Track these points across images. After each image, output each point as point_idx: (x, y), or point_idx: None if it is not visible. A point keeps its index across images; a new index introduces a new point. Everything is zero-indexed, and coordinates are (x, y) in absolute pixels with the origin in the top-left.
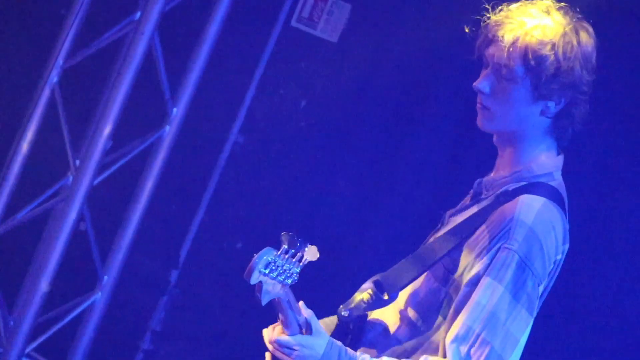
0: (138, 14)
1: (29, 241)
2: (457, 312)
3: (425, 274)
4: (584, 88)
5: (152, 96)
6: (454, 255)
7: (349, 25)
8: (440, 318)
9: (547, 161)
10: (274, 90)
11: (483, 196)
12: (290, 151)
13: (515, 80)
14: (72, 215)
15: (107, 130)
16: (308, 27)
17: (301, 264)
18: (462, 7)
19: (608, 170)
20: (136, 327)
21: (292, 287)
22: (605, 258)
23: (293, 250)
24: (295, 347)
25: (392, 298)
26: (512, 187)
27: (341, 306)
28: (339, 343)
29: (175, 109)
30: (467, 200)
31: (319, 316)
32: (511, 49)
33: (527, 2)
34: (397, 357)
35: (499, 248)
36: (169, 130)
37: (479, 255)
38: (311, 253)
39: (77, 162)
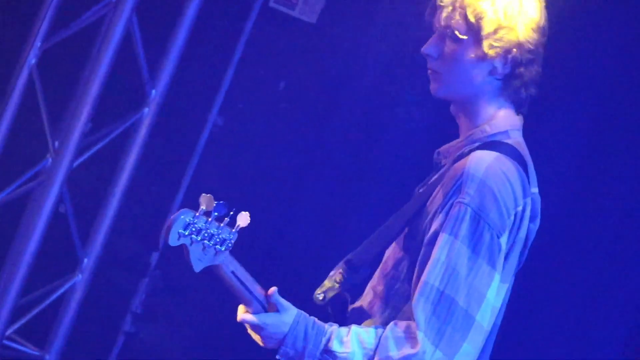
0: None
1: (9, 224)
2: (419, 274)
3: (393, 245)
4: (530, 47)
5: (131, 78)
6: (415, 222)
7: (328, 6)
8: (407, 285)
9: (501, 121)
10: (253, 72)
11: (442, 164)
12: (269, 132)
13: (458, 39)
14: (52, 197)
15: (86, 112)
16: (287, 7)
17: (234, 230)
18: None
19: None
20: (117, 309)
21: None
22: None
23: (216, 214)
24: (261, 326)
25: (364, 274)
26: (467, 149)
27: (316, 290)
28: (307, 316)
29: (154, 91)
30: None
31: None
32: (453, 9)
33: None
34: (375, 327)
35: (452, 204)
36: (148, 112)
37: (434, 215)
38: (243, 219)
39: (56, 144)
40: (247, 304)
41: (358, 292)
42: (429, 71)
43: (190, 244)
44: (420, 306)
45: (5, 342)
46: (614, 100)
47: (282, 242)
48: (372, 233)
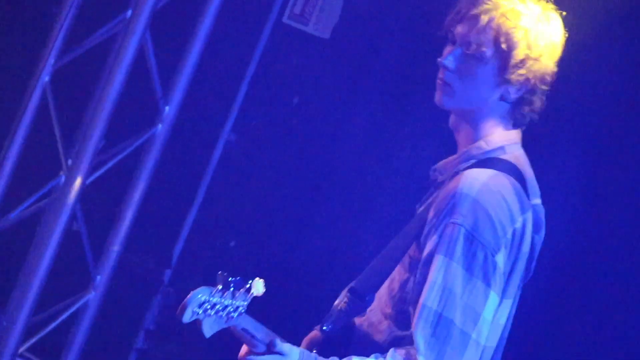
0: (129, 12)
1: (22, 241)
2: (417, 296)
3: (398, 268)
4: (548, 78)
5: (144, 94)
6: (416, 243)
7: (341, 22)
8: (411, 309)
9: (497, 137)
10: (266, 88)
11: (439, 181)
12: (283, 149)
13: (483, 60)
14: (65, 214)
15: (99, 129)
16: (300, 23)
17: (248, 297)
18: (456, 2)
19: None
20: (130, 326)
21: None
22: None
23: (232, 289)
24: None
25: (369, 301)
26: (462, 166)
27: (323, 322)
28: (309, 353)
29: (167, 107)
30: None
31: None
32: (484, 29)
33: None
34: (375, 356)
35: (446, 224)
36: (161, 129)
37: (429, 236)
38: (257, 286)
39: (69, 161)
40: (254, 347)
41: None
42: (439, 81)
43: (204, 318)
44: (419, 330)
45: (19, 359)
46: (622, 107)
47: (295, 256)
48: (375, 258)
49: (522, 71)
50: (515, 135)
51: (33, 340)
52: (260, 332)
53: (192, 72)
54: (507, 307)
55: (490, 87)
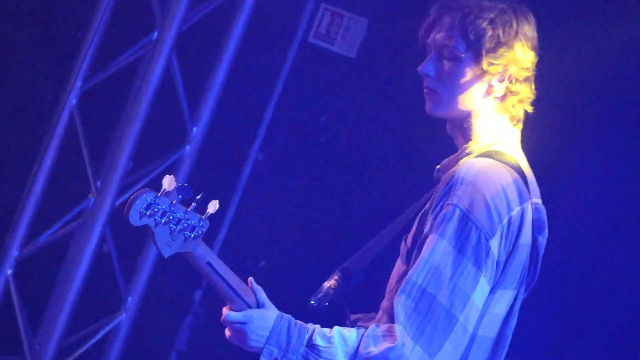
0: (155, 34)
1: (52, 264)
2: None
3: (398, 262)
4: (527, 64)
5: (172, 116)
6: (411, 229)
7: (367, 40)
8: None
9: (496, 132)
10: (293, 107)
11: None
12: (310, 167)
13: (457, 57)
14: (95, 237)
15: (127, 151)
16: (326, 42)
17: (203, 217)
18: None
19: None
20: (161, 347)
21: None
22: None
23: (180, 196)
24: (244, 322)
25: (357, 281)
26: (462, 159)
27: (311, 297)
28: (287, 315)
29: (195, 128)
30: None
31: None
32: (452, 27)
33: None
34: (358, 328)
35: (442, 206)
36: (189, 150)
37: (426, 219)
38: (212, 206)
39: (98, 183)
40: (230, 302)
41: (352, 300)
42: (425, 90)
43: (155, 226)
44: (401, 302)
45: None
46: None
47: (326, 275)
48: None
49: (497, 60)
50: (514, 132)
51: None
52: (229, 275)
53: (219, 93)
54: (507, 299)
55: (472, 83)
